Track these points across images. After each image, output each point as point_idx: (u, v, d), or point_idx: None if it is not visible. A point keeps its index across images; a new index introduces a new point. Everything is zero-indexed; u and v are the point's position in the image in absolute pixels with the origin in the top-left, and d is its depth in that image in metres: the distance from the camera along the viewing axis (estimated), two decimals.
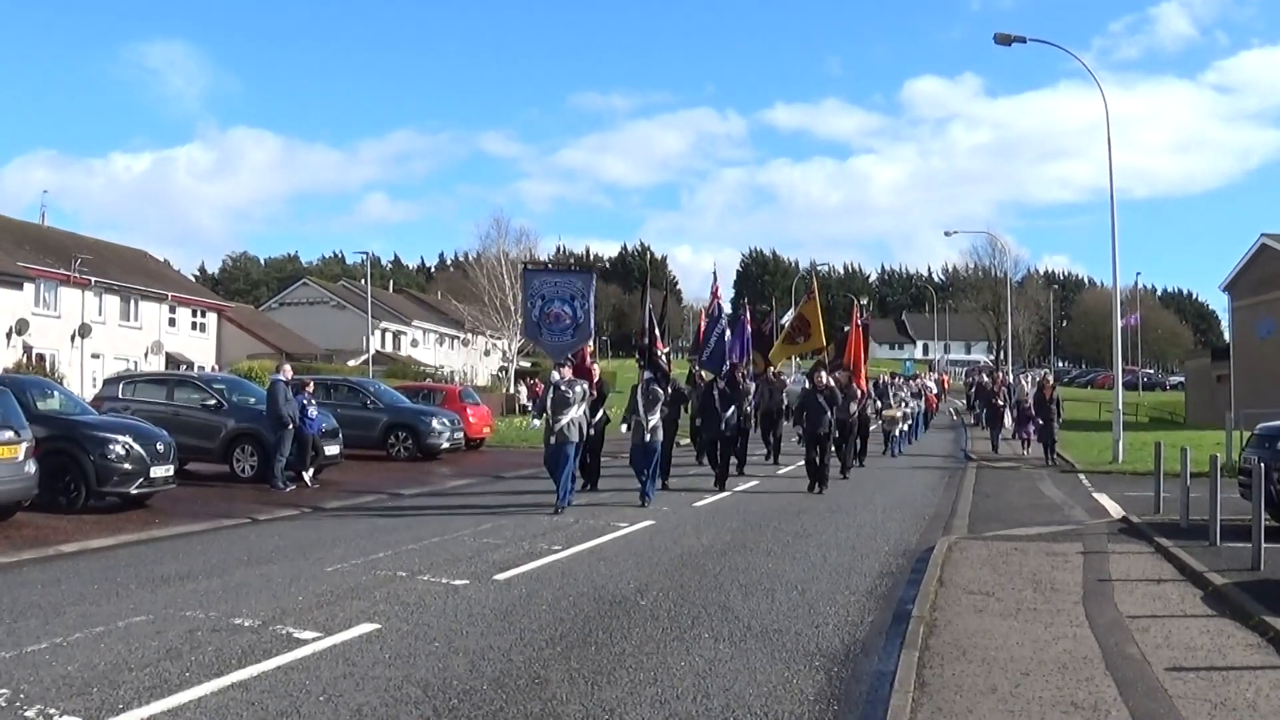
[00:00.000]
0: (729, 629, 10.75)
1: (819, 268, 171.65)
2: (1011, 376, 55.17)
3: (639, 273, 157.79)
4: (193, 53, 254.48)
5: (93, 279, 58.02)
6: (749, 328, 32.83)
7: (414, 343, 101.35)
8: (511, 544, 16.17)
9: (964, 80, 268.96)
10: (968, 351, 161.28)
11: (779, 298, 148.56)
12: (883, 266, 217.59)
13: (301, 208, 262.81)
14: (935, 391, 61.13)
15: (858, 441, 31.49)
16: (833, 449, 26.31)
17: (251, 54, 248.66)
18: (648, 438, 21.47)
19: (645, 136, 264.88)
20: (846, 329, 36.74)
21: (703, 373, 29.96)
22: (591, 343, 26.26)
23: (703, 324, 30.76)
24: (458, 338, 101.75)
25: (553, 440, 20.14)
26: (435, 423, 33.26)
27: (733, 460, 27.00)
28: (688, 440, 32.59)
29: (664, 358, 24.77)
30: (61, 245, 60.88)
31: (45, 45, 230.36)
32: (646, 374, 22.71)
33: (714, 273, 38.11)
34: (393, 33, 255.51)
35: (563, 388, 20.22)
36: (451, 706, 8.03)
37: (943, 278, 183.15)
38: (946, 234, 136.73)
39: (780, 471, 28.93)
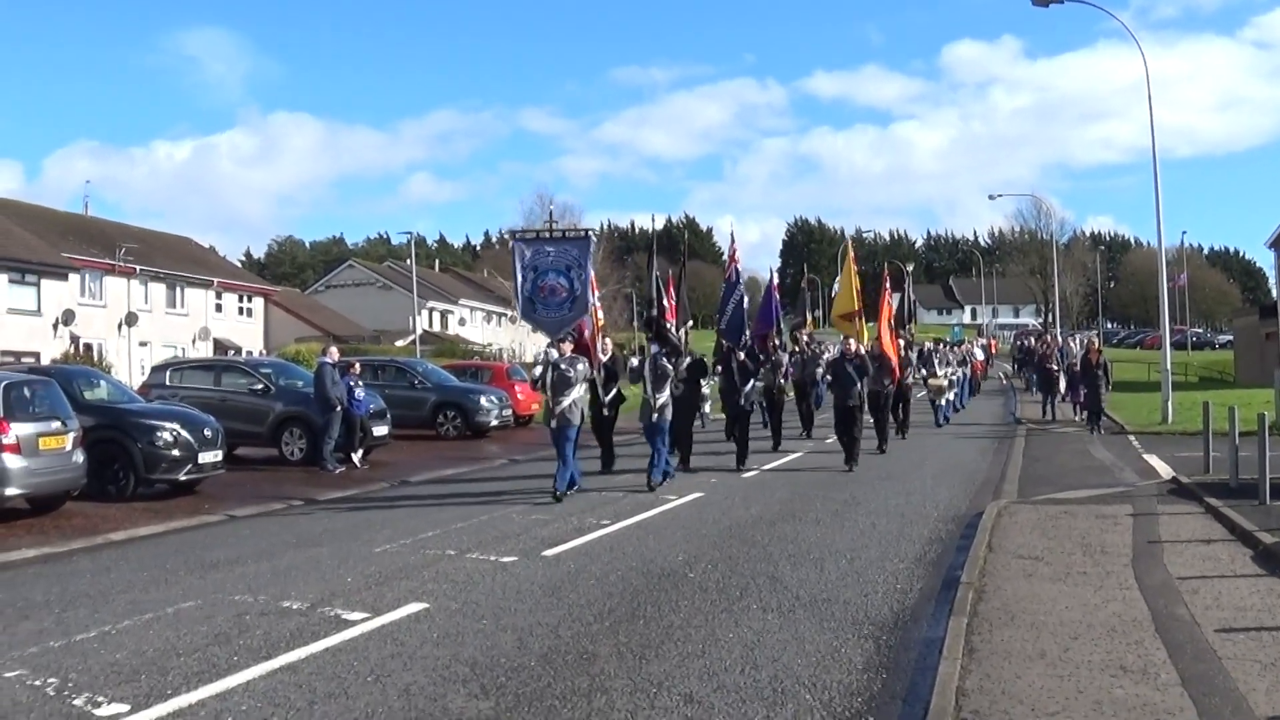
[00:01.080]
0: (777, 599, 10.74)
1: (865, 235, 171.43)
2: (1061, 339, 54.50)
3: (684, 245, 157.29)
4: (231, 39, 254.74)
5: (138, 267, 58.33)
6: (776, 294, 30.88)
7: (461, 321, 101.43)
8: (560, 520, 16.19)
9: (1003, 43, 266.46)
10: (1016, 315, 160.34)
11: (825, 266, 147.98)
12: (929, 232, 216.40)
13: (345, 190, 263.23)
14: (981, 357, 59.23)
15: (899, 412, 30.13)
16: (867, 421, 25.12)
17: (290, 38, 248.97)
18: (655, 416, 20.03)
19: (686, 109, 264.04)
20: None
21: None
22: (602, 315, 24.55)
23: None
24: (505, 315, 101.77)
25: (554, 424, 18.79)
26: (484, 400, 33.27)
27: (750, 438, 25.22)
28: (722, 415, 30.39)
29: (674, 329, 23.19)
30: (105, 235, 61.25)
31: (84, 36, 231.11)
32: (654, 347, 21.26)
33: (731, 234, 34.38)
34: (430, 11, 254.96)
35: (562, 366, 18.81)
36: (499, 684, 8.05)
37: (989, 242, 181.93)
38: (991, 198, 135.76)
39: (828, 441, 28.55)
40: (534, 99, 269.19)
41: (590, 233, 22.44)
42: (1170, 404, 32.68)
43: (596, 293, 23.14)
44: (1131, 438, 28.67)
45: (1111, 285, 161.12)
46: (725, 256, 30.82)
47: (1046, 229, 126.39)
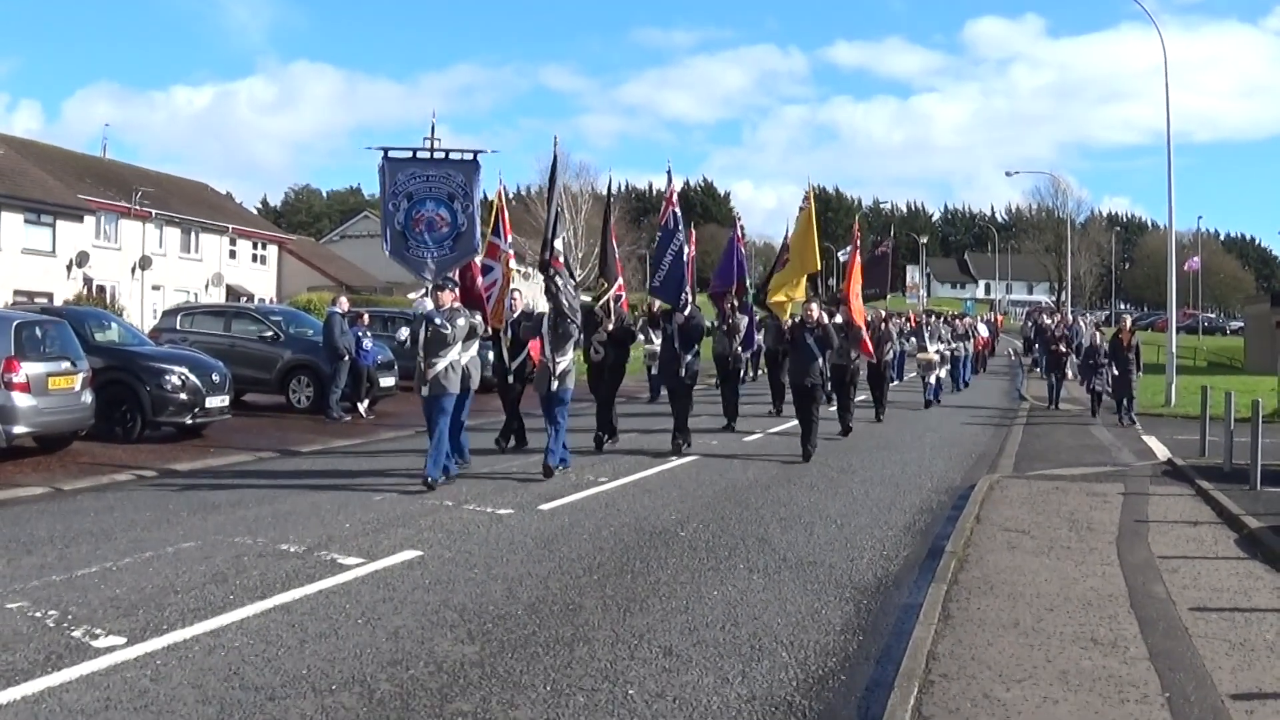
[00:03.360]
0: (764, 560, 10.95)
1: (882, 205, 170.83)
2: (1071, 318, 53.63)
3: (701, 208, 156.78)
4: None
5: (153, 211, 58.49)
6: (741, 248, 27.40)
7: None
8: (559, 475, 16.34)
9: (1026, 21, 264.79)
10: (1029, 292, 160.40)
11: (841, 235, 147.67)
12: (946, 206, 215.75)
13: (364, 140, 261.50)
14: (986, 333, 56.67)
15: (878, 391, 27.62)
16: (826, 400, 22.26)
17: None
18: (554, 385, 16.77)
19: (707, 72, 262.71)
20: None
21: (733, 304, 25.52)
22: (515, 264, 21.45)
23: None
24: (519, 271, 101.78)
25: (424, 391, 15.35)
26: (492, 355, 33.26)
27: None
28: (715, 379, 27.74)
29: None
30: (122, 178, 61.38)
31: None
32: (552, 302, 17.49)
33: (668, 172, 26.00)
34: None
35: (438, 321, 15.22)
36: (485, 630, 8.28)
37: (1006, 218, 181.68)
38: (1008, 174, 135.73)
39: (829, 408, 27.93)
40: (555, 56, 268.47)
41: (479, 155, 17.59)
42: (1174, 387, 32.69)
43: (509, 236, 20.73)
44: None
45: (1126, 267, 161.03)
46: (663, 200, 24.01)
47: (1063, 207, 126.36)
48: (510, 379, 19.55)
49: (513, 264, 20.65)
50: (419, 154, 17.52)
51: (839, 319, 23.48)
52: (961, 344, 40.43)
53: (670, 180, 23.37)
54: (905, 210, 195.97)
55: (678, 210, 22.53)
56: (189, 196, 67.74)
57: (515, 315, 19.32)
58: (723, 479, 16.60)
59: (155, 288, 58.40)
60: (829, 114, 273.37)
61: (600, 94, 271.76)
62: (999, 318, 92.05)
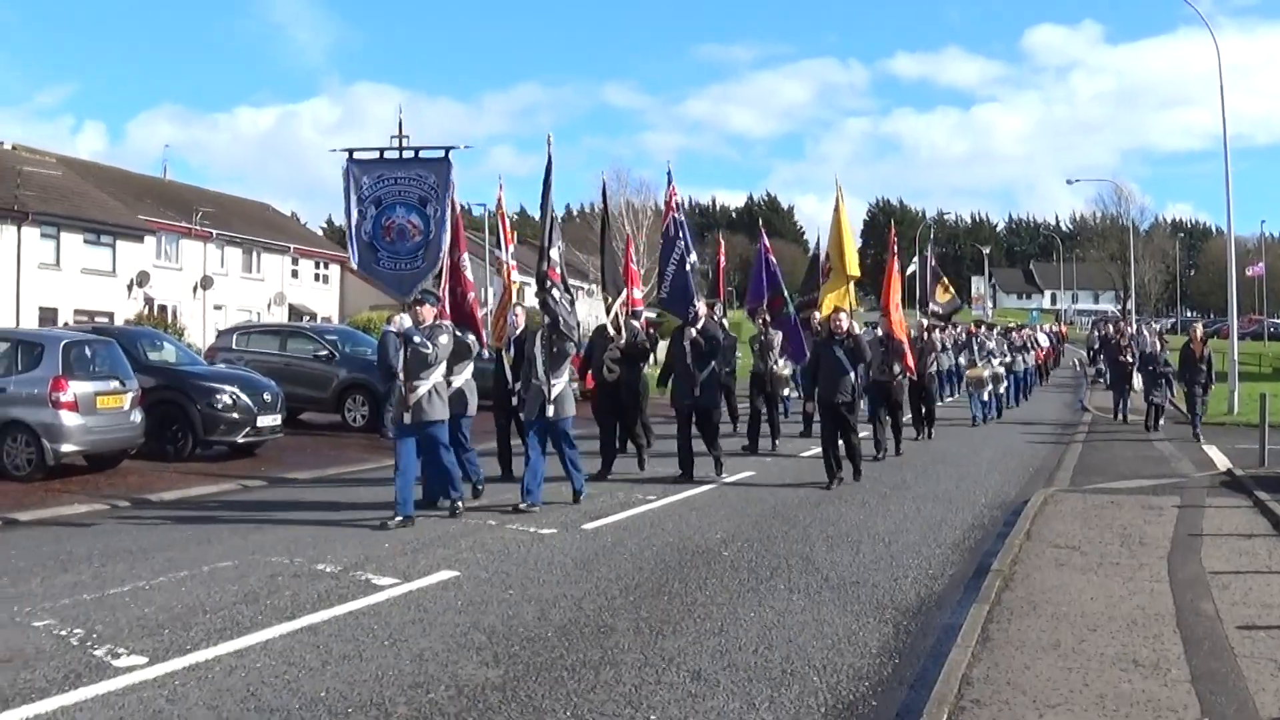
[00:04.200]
0: (806, 581, 10.78)
1: (945, 216, 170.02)
2: (1135, 327, 52.61)
3: (765, 223, 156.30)
4: (317, 6, 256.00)
5: (214, 231, 58.85)
6: (771, 258, 25.49)
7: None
8: (606, 493, 16.27)
9: (1084, 27, 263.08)
10: (1095, 301, 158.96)
11: (904, 247, 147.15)
12: (1010, 215, 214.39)
13: None
14: (1048, 344, 54.18)
15: (921, 408, 25.82)
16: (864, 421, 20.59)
17: (374, 8, 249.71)
18: (550, 410, 15.23)
19: (768, 87, 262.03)
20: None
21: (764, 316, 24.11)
22: (517, 276, 20.10)
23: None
24: (581, 288, 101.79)
25: (406, 418, 14.06)
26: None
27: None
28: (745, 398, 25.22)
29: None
30: (183, 198, 61.80)
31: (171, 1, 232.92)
32: (548, 318, 15.78)
33: (669, 173, 20.67)
34: None
35: (416, 340, 13.81)
36: (512, 653, 8.17)
37: (1070, 226, 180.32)
38: (1069, 182, 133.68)
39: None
40: (616, 74, 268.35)
41: (450, 151, 15.91)
42: (1237, 395, 32.24)
43: (510, 246, 19.78)
44: None
45: (1191, 273, 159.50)
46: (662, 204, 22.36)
47: (1126, 215, 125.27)
48: (515, 400, 17.68)
49: (514, 275, 19.84)
50: (386, 154, 15.88)
51: (879, 331, 22.88)
52: (1020, 356, 38.61)
53: (670, 183, 21.13)
54: (969, 221, 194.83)
55: (679, 216, 20.40)
56: (250, 217, 68.19)
57: (517, 332, 18.04)
58: (773, 497, 16.43)
59: (217, 307, 58.75)
60: (891, 126, 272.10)
61: (662, 111, 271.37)
62: (1063, 328, 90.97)
